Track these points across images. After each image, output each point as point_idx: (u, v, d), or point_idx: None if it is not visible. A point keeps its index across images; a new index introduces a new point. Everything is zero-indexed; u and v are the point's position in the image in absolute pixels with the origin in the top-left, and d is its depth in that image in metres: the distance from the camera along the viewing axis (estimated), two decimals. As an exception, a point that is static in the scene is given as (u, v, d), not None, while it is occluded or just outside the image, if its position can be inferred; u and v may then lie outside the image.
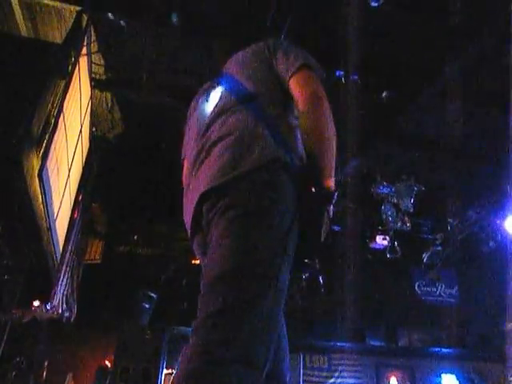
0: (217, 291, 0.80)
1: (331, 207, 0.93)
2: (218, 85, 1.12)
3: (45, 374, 4.21)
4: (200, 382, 0.71)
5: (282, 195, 0.89)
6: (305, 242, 0.90)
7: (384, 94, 2.70)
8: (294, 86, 0.99)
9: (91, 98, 3.19)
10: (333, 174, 0.93)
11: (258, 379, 0.75)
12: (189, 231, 1.03)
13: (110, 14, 2.50)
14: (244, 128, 0.96)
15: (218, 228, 0.88)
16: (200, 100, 1.16)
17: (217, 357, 0.73)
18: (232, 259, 0.82)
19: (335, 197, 0.93)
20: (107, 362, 4.41)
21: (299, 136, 0.99)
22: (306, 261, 0.92)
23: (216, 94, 1.09)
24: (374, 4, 2.47)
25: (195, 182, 1.00)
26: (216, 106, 1.06)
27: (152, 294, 4.33)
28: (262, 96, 1.02)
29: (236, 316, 0.76)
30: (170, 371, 4.27)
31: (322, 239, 0.92)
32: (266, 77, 1.05)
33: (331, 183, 0.92)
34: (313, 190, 0.88)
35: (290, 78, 1.00)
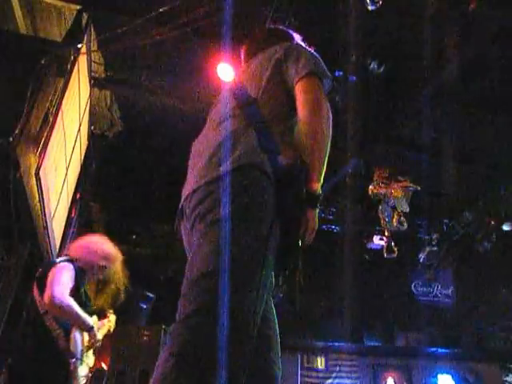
0: (194, 294, 0.82)
1: (316, 210, 0.96)
2: (230, 87, 1.16)
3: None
4: None
5: (258, 200, 0.90)
6: (286, 243, 0.92)
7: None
8: (297, 93, 1.03)
9: (90, 96, 3.17)
10: (320, 179, 0.96)
11: (234, 380, 0.75)
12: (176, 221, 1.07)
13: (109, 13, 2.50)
14: (232, 133, 0.99)
15: (197, 234, 0.91)
16: (217, 100, 1.20)
17: (191, 358, 0.73)
18: (208, 263, 0.83)
19: (319, 200, 0.95)
20: (103, 364, 4.36)
21: (295, 141, 1.01)
22: (287, 261, 0.93)
23: (226, 97, 1.13)
24: (371, 7, 2.50)
25: (187, 181, 1.04)
26: (220, 109, 1.10)
27: (150, 295, 4.31)
28: (261, 101, 1.05)
29: (211, 318, 0.77)
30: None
31: (306, 241, 0.94)
32: (272, 82, 1.08)
33: (316, 187, 0.95)
34: (297, 193, 0.91)
35: (296, 84, 1.04)
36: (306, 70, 1.04)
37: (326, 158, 0.98)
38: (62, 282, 1.73)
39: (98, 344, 1.86)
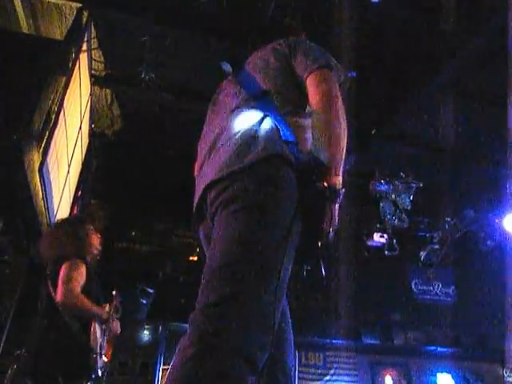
0: (215, 283, 0.82)
1: (337, 205, 0.94)
2: (237, 80, 1.15)
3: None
4: (192, 372, 0.72)
5: (284, 190, 0.89)
6: (306, 239, 0.91)
7: None
8: (310, 85, 1.02)
9: (91, 94, 3.20)
10: (340, 172, 0.94)
11: (251, 370, 0.75)
12: (192, 221, 1.06)
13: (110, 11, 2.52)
14: (251, 124, 0.98)
15: (220, 222, 0.90)
16: (221, 94, 1.19)
17: (210, 347, 0.73)
18: (231, 252, 0.83)
19: (341, 195, 0.94)
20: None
21: (309, 134, 1.00)
22: (306, 256, 0.93)
23: (234, 90, 1.12)
24: (374, 0, 2.48)
25: (203, 174, 1.03)
26: (231, 101, 1.09)
27: (150, 290, 4.37)
28: (274, 93, 1.04)
29: (232, 308, 0.77)
30: (167, 367, 4.31)
31: (326, 237, 0.93)
32: (282, 75, 1.08)
33: (337, 181, 0.93)
34: (318, 186, 0.89)
35: (307, 77, 1.03)
36: (318, 64, 1.03)
37: (344, 152, 0.96)
38: (72, 278, 1.75)
39: (116, 333, 1.88)
